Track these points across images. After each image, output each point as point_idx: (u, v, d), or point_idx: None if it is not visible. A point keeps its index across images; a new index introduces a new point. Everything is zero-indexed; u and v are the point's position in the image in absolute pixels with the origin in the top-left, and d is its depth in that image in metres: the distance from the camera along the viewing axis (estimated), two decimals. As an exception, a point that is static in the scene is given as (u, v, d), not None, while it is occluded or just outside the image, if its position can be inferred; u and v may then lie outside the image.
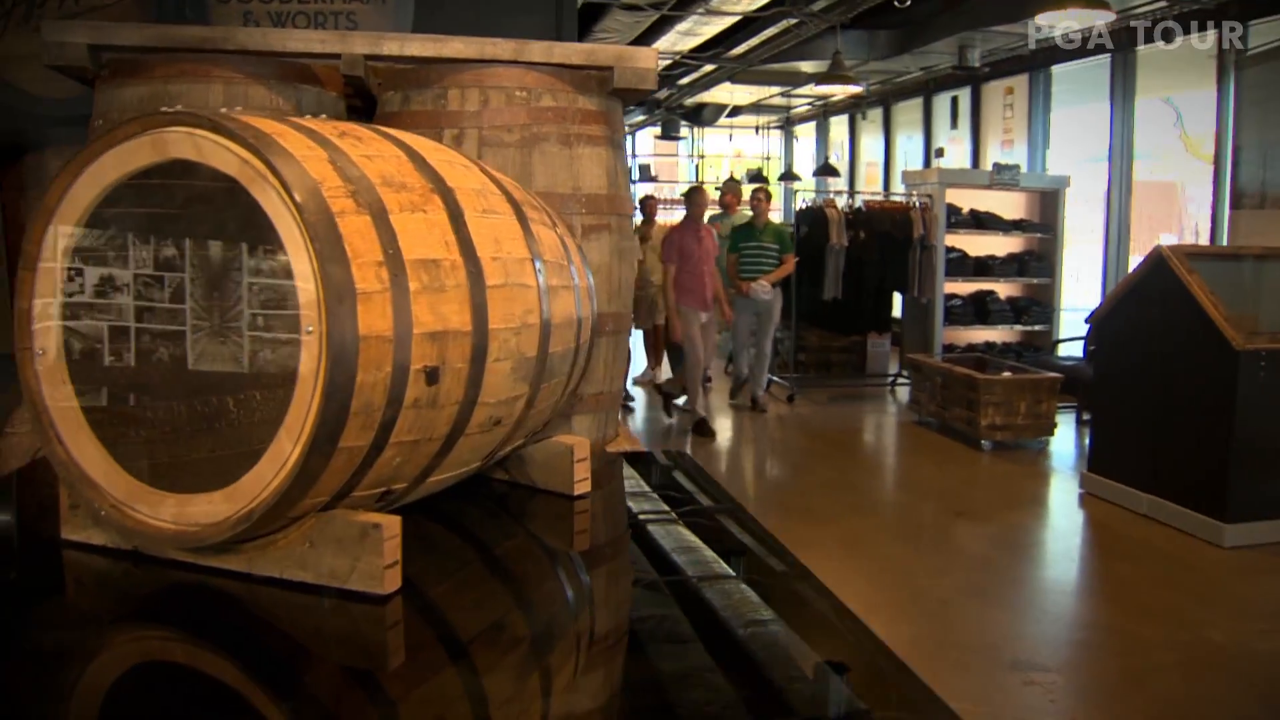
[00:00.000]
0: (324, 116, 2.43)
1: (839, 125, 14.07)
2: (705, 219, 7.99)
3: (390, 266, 1.45)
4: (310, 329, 1.38)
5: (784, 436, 7.91)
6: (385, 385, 1.44)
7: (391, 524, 1.47)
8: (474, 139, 2.32)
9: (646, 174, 16.07)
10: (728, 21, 7.73)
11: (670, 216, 10.48)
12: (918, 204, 8.64)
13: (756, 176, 13.96)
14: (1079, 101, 9.69)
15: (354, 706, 1.30)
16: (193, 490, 1.49)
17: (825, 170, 12.20)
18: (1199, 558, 5.13)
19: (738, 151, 16.39)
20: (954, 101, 11.01)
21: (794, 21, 7.39)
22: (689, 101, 12.65)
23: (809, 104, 13.44)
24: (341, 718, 1.28)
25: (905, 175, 9.27)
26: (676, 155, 16.70)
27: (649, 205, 8.58)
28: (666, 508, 2.12)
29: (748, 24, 8.10)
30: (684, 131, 15.14)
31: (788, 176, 12.99)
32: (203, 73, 2.35)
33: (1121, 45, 8.42)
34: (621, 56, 2.34)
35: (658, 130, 14.78)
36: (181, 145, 1.44)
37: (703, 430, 7.47)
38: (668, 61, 9.37)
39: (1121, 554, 5.30)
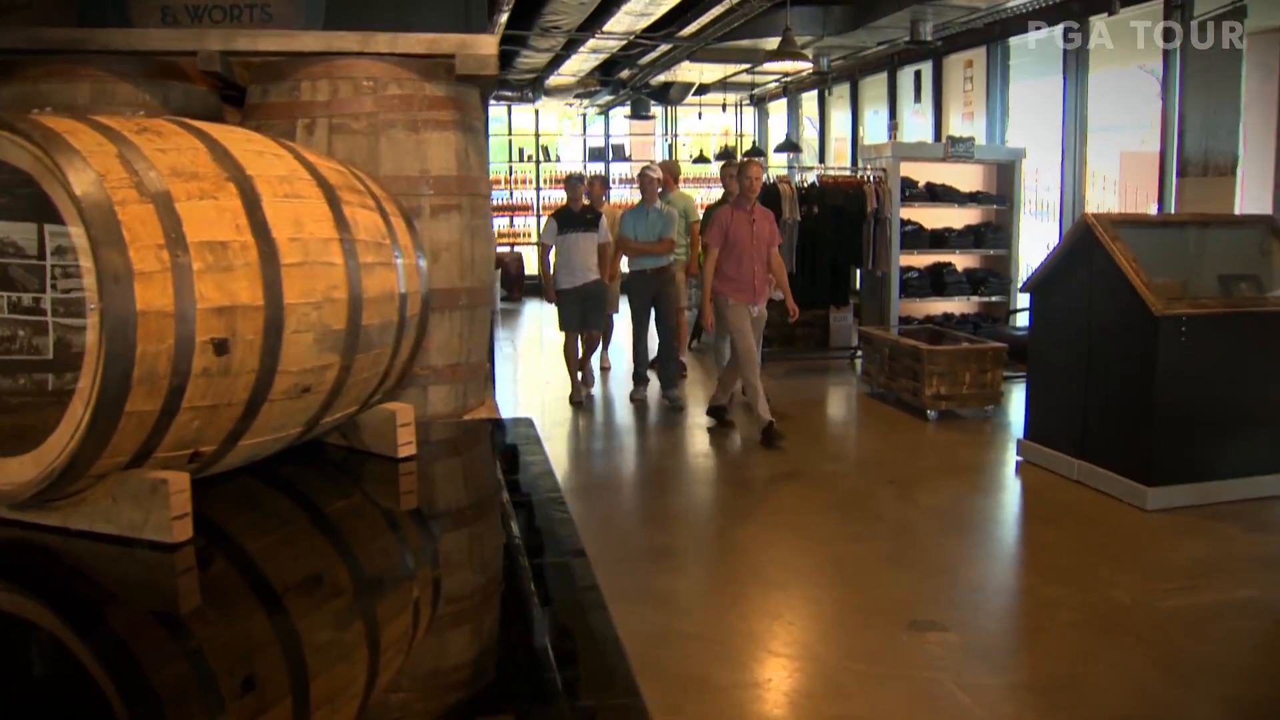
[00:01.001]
0: (190, 111, 2.61)
1: (810, 101, 14.18)
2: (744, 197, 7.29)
3: (171, 249, 1.62)
4: (93, 306, 1.56)
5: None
6: (169, 355, 1.62)
7: (179, 479, 1.65)
8: (324, 128, 2.49)
9: (620, 154, 16.22)
10: (675, 0, 7.85)
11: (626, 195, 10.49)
12: (871, 178, 8.78)
13: (725, 154, 14.09)
14: (1041, 74, 9.79)
15: (146, 644, 1.48)
16: (7, 455, 1.67)
17: (788, 146, 12.32)
18: (1121, 521, 5.29)
19: (725, 129, 16.49)
20: (917, 76, 11.12)
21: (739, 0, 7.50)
22: (655, 81, 12.77)
23: (776, 81, 13.55)
24: (130, 651, 1.46)
25: (861, 150, 9.40)
26: (652, 135, 16.82)
27: (594, 187, 8.27)
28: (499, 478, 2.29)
29: (698, 2, 8.22)
30: (654, 111, 15.27)
31: (753, 153, 13.12)
32: (71, 73, 2.52)
33: (1074, 16, 8.53)
34: (463, 44, 2.50)
35: (628, 110, 14.90)
36: (-15, 144, 1.61)
37: (771, 439, 6.61)
38: (622, 43, 9.51)
39: (1046, 518, 5.48)
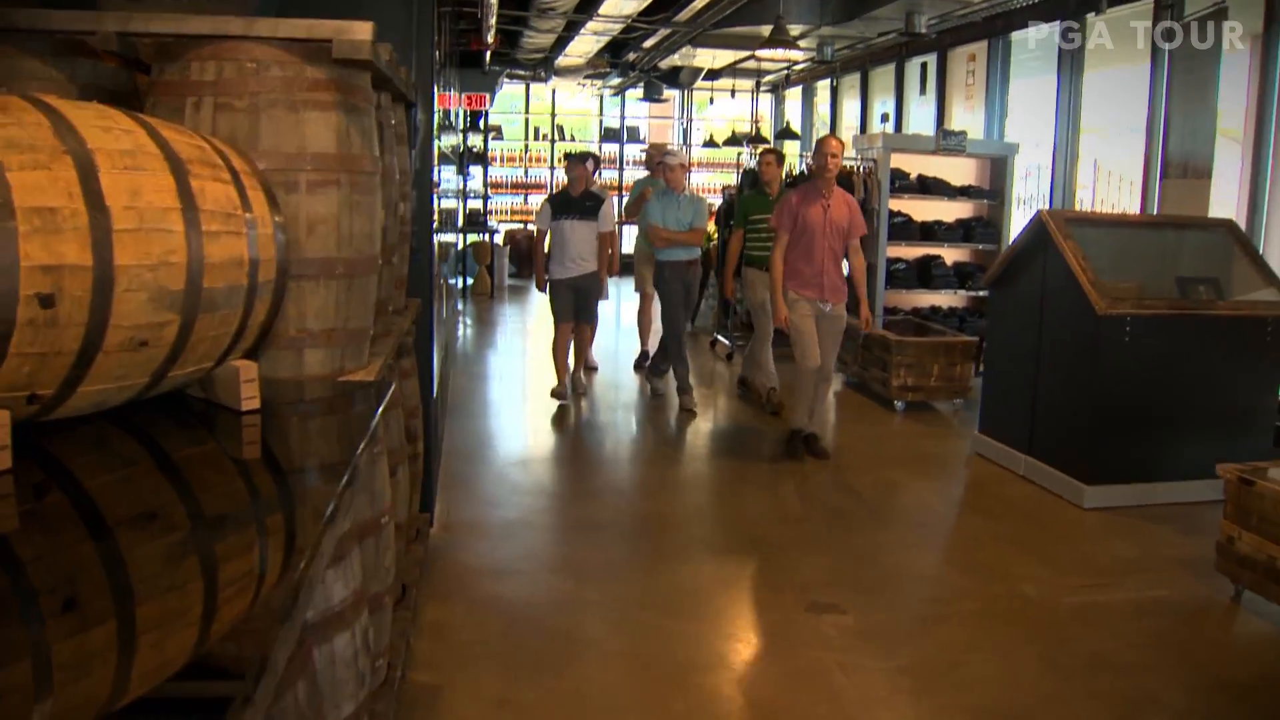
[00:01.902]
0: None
1: (825, 89, 14.24)
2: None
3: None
4: (-79, 261, 1.79)
5: (698, 394, 8.11)
6: (-8, 306, 1.85)
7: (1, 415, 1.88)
8: (210, 106, 2.69)
9: (635, 136, 16.39)
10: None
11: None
12: (861, 168, 8.88)
13: (735, 140, 14.18)
14: (1044, 71, 9.80)
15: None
16: None
17: (785, 134, 12.39)
18: (1056, 518, 5.43)
19: (739, 117, 16.56)
20: (923, 68, 11.17)
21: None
22: (664, 65, 12.90)
23: (785, 68, 13.63)
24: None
25: (854, 140, 9.49)
26: (671, 118, 16.98)
27: (577, 169, 7.48)
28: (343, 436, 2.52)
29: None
30: (668, 94, 15.40)
31: (756, 139, 13.22)
32: (-17, 48, 2.76)
33: (1072, 13, 8.56)
34: (339, 30, 2.70)
35: (640, 92, 15.07)
36: None
37: (813, 450, 6.31)
38: (620, 26, 9.66)
39: (981, 511, 5.62)
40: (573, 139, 16.25)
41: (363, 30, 2.69)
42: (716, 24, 9.17)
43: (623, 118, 16.27)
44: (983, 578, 4.58)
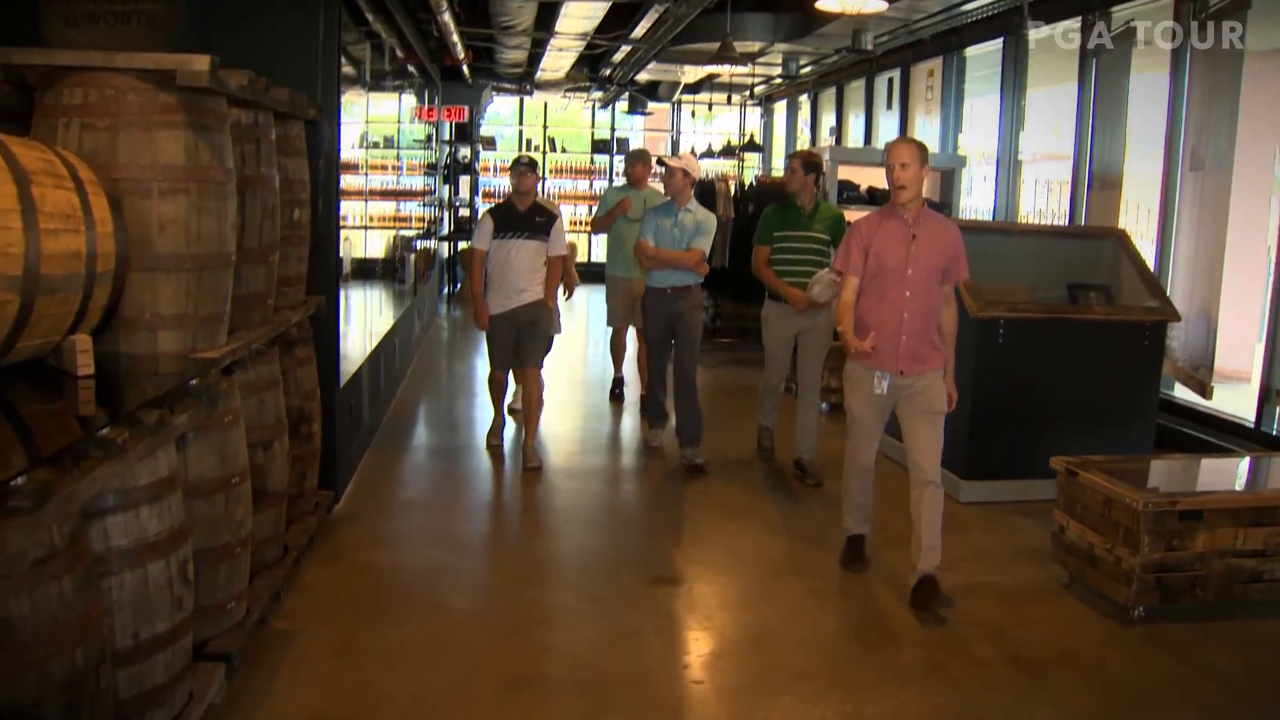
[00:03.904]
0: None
1: (808, 104, 14.79)
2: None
3: None
4: None
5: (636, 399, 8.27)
6: None
7: None
8: (77, 126, 3.30)
9: (626, 149, 16.98)
10: (599, 7, 8.53)
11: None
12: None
13: (728, 150, 14.74)
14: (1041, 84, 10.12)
15: None
16: None
17: (749, 147, 12.93)
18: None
19: (727, 133, 17.09)
20: (889, 82, 11.68)
21: (664, 5, 8.15)
22: (641, 79, 13.51)
23: (760, 82, 14.18)
24: None
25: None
26: (668, 130, 17.62)
27: (528, 178, 6.35)
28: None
29: (639, 6, 8.89)
30: (651, 107, 16.02)
31: (727, 153, 13.76)
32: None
33: (1014, 30, 9.02)
34: (181, 62, 3.29)
35: (625, 105, 15.71)
36: None
37: (854, 559, 4.94)
38: (581, 43, 10.26)
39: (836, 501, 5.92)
40: (564, 150, 16.93)
41: (201, 62, 3.28)
42: (674, 40, 9.72)
43: (613, 130, 16.91)
44: (829, 560, 4.95)
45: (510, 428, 7.05)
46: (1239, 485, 5.34)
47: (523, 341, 6.32)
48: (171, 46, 4.74)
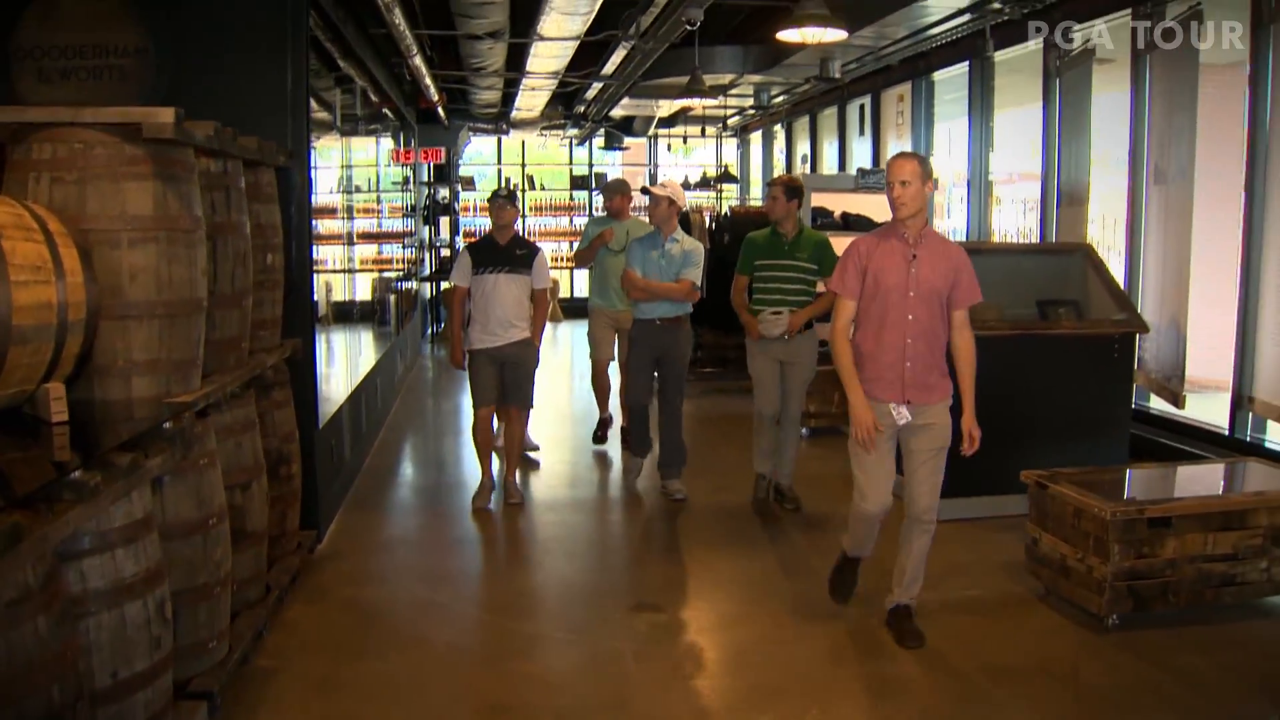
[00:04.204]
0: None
1: (783, 133, 15.03)
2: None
3: None
4: None
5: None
6: None
7: None
8: (47, 180, 3.41)
9: (602, 183, 17.21)
10: (568, 46, 8.74)
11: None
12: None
13: (705, 182, 14.95)
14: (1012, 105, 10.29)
15: None
16: None
17: (724, 178, 13.14)
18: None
19: (705, 165, 17.35)
20: (861, 109, 11.89)
21: (632, 42, 8.33)
22: (615, 114, 13.74)
23: (735, 113, 14.42)
24: None
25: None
26: (644, 164, 17.85)
27: (507, 211, 6.23)
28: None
29: (606, 45, 9.10)
30: (628, 143, 16.26)
31: (703, 185, 13.98)
32: None
33: (978, 53, 9.22)
34: (147, 115, 3.41)
35: (601, 141, 15.95)
36: None
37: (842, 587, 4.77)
38: (553, 82, 10.46)
39: (832, 521, 5.85)
40: (543, 188, 17.13)
41: (166, 114, 3.39)
42: (645, 75, 9.91)
43: (591, 165, 17.12)
44: (807, 582, 4.98)
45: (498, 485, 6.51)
46: (1208, 491, 5.42)
47: (507, 381, 6.19)
48: (143, 99, 4.91)
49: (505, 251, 6.16)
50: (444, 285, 13.35)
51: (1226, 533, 4.59)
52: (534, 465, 7.33)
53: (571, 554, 5.61)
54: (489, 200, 6.44)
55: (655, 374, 6.40)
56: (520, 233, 6.43)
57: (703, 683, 4.05)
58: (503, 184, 16.67)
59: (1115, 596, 4.44)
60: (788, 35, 6.54)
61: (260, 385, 4.67)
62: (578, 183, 17.24)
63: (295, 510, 5.05)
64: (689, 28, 6.93)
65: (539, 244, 6.68)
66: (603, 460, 7.66)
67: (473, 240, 6.67)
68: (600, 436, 7.89)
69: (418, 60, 8.35)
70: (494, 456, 6.45)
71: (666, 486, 6.39)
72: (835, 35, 6.53)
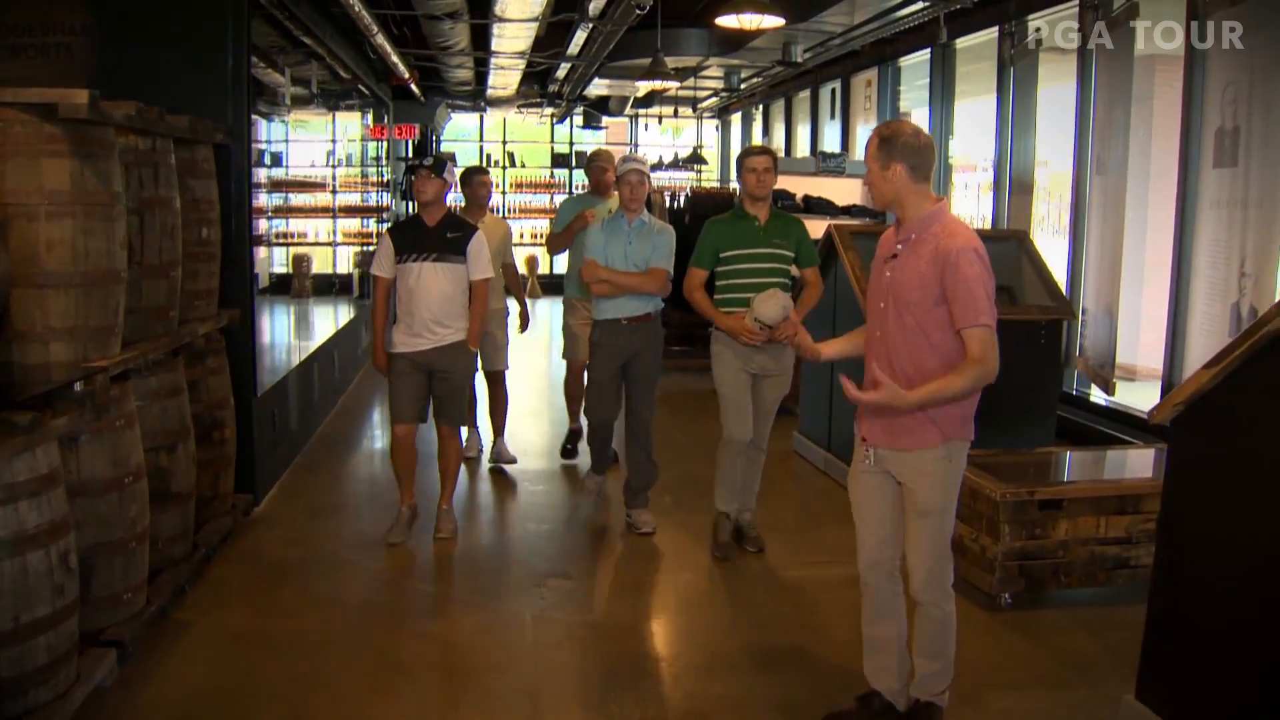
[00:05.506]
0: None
1: (760, 115, 15.21)
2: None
3: None
4: None
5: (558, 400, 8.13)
6: None
7: None
8: (-31, 156, 3.64)
9: (582, 160, 17.43)
10: (529, 27, 8.92)
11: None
12: (739, 189, 9.75)
13: (675, 163, 15.13)
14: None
15: None
16: None
17: (694, 159, 13.35)
18: (828, 507, 6.01)
19: (689, 143, 17.46)
20: (833, 93, 12.08)
21: (592, 23, 8.52)
22: (591, 94, 13.93)
23: (711, 94, 14.60)
24: None
25: (736, 163, 10.37)
26: (627, 144, 18.00)
27: (433, 183, 5.14)
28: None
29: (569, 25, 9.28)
30: (606, 122, 16.46)
31: (675, 165, 14.19)
32: None
33: (936, 40, 9.41)
34: (63, 96, 3.63)
35: (580, 120, 16.15)
36: None
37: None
38: (521, 62, 10.65)
39: (764, 500, 6.14)
40: (523, 165, 17.34)
41: (81, 96, 3.62)
42: (612, 56, 10.10)
43: (571, 144, 17.32)
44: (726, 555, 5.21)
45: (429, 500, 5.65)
46: (1114, 476, 5.65)
47: (437, 394, 5.24)
48: (89, 77, 5.12)
49: (434, 234, 5.13)
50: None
51: (1120, 516, 4.75)
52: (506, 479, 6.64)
53: (493, 522, 5.86)
54: (413, 168, 5.72)
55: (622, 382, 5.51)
56: (455, 210, 5.52)
57: (592, 646, 4.24)
58: (483, 160, 16.83)
59: (1006, 576, 4.64)
60: (726, 21, 6.75)
61: (192, 353, 4.91)
62: (559, 160, 17.43)
63: (229, 474, 5.30)
64: (639, 11, 7.12)
65: (511, 222, 6.00)
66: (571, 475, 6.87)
67: (397, 221, 5.95)
68: (569, 450, 7.02)
69: (380, 39, 8.53)
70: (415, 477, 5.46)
71: (633, 517, 5.56)
72: (772, 23, 6.73)
